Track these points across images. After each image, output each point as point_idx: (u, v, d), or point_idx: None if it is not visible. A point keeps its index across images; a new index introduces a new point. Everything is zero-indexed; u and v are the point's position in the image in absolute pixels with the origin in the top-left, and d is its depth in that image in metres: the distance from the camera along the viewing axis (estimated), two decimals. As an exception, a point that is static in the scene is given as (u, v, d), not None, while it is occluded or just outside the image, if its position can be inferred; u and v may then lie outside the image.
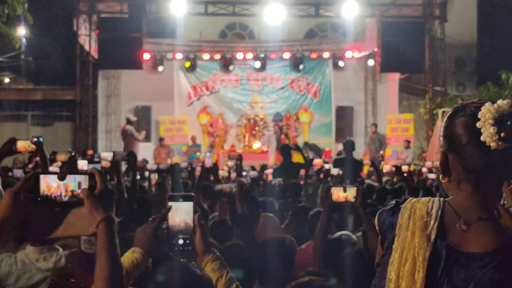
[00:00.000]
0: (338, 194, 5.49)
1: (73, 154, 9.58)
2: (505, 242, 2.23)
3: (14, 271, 4.63)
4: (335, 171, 12.00)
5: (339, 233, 6.12)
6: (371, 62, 26.52)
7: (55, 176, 2.67)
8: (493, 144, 2.14)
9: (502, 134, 2.13)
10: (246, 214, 5.81)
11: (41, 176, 2.66)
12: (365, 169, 19.16)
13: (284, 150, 13.86)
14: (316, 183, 11.01)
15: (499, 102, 2.19)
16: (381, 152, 24.07)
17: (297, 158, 14.35)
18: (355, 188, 5.55)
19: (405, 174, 10.99)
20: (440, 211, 2.29)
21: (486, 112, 2.16)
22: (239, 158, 13.91)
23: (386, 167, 14.70)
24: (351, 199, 5.48)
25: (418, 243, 2.23)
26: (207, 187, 9.88)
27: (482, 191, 2.29)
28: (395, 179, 13.86)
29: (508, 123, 2.14)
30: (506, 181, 2.38)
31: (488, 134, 2.14)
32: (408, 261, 2.23)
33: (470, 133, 2.21)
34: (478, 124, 2.18)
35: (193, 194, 3.35)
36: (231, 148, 26.03)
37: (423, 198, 2.36)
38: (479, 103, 2.24)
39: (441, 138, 2.36)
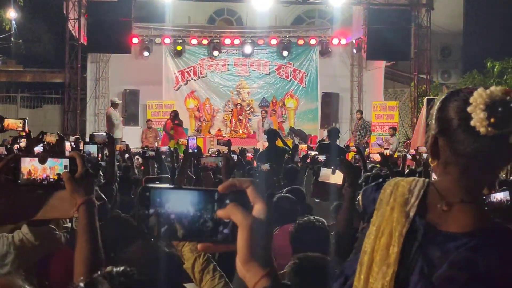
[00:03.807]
0: (326, 175, 5.61)
1: (61, 136, 9.72)
2: (485, 225, 2.21)
3: (12, 250, 4.76)
4: (322, 158, 12.01)
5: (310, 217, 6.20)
6: (357, 49, 26.62)
7: None
8: (482, 129, 2.11)
9: (492, 120, 2.10)
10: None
11: (28, 158, 2.70)
12: (350, 155, 19.34)
13: (270, 134, 13.95)
14: (302, 168, 11.13)
15: (493, 88, 2.17)
16: (366, 138, 24.20)
17: (279, 144, 14.42)
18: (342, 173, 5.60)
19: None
20: (423, 190, 2.29)
21: (478, 97, 2.14)
22: (228, 143, 13.99)
23: (376, 156, 14.70)
24: (339, 181, 5.52)
25: (396, 218, 2.24)
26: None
27: (469, 176, 2.26)
28: (378, 165, 14.02)
29: (500, 109, 2.12)
30: (496, 169, 2.34)
31: (478, 119, 2.12)
32: (384, 235, 2.24)
33: (461, 118, 2.19)
34: (469, 109, 2.16)
35: (169, 176, 3.49)
36: (217, 133, 26.22)
37: (409, 178, 2.36)
38: (473, 88, 2.22)
39: (433, 121, 2.33)
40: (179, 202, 1.57)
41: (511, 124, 2.13)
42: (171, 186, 1.60)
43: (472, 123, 2.14)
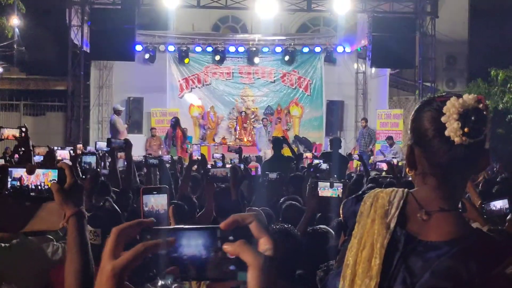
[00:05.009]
0: (325, 189, 5.50)
1: (51, 148, 9.62)
2: (465, 232, 2.21)
3: (10, 262, 4.63)
4: (325, 166, 11.96)
5: (317, 226, 6.10)
6: (362, 57, 26.56)
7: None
8: (457, 139, 2.13)
9: (466, 129, 2.12)
10: (239, 201, 5.73)
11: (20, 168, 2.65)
12: (355, 164, 19.25)
13: (276, 143, 13.87)
14: (306, 177, 11.02)
15: (465, 96, 2.18)
16: (371, 146, 24.13)
17: (285, 152, 14.38)
18: (341, 184, 5.53)
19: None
20: (402, 201, 2.28)
21: (451, 106, 2.15)
22: (239, 150, 14.05)
23: (382, 164, 14.58)
24: (338, 194, 5.45)
25: (378, 230, 2.23)
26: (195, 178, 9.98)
27: (447, 185, 2.28)
28: (383, 174, 13.90)
29: (473, 118, 2.13)
30: (472, 176, 2.34)
31: (452, 129, 2.13)
32: (366, 248, 2.23)
33: (436, 128, 2.20)
34: (442, 119, 2.16)
35: (167, 186, 3.36)
36: (222, 141, 26.14)
37: (388, 189, 2.36)
38: (446, 97, 2.22)
39: (409, 132, 2.35)
40: (183, 243, 1.51)
41: (485, 132, 2.17)
42: (172, 227, 1.54)
43: (446, 133, 2.17)
